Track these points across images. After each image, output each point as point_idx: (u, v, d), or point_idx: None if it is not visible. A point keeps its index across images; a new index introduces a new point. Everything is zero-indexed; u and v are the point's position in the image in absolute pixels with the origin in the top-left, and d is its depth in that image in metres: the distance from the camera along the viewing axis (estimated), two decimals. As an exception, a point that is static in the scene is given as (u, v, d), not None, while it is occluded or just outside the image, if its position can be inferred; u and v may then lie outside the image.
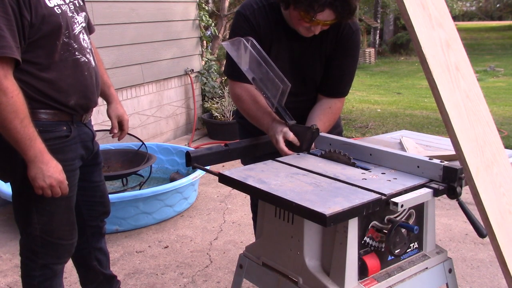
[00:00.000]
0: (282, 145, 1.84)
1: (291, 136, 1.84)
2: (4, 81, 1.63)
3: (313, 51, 2.05)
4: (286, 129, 1.85)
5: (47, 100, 1.82)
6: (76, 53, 1.85)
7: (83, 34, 1.91)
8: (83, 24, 1.93)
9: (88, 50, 1.93)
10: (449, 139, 1.68)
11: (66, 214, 1.96)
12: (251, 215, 3.84)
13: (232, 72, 2.04)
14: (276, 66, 1.80)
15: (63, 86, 1.82)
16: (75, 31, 1.86)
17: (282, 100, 1.81)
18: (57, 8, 1.77)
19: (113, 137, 2.24)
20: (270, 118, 1.93)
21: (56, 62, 1.80)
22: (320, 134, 1.92)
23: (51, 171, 1.76)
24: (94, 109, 2.06)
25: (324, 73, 2.11)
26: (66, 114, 1.88)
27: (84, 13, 1.95)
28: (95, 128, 2.17)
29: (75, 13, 1.88)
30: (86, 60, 1.90)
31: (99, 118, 4.49)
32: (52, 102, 1.83)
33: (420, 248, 1.70)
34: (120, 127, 2.23)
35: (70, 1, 1.87)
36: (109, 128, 2.26)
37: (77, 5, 1.91)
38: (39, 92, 1.79)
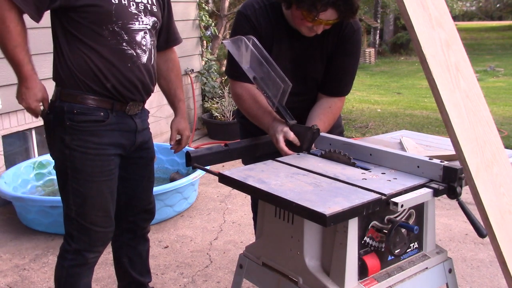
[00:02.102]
0: (282, 144, 1.84)
1: (291, 135, 1.84)
2: (5, 13, 1.78)
3: (314, 51, 2.05)
4: (286, 129, 1.85)
5: (88, 80, 1.92)
6: (124, 43, 1.93)
7: (145, 33, 1.99)
8: (149, 27, 2.00)
9: (143, 48, 1.99)
10: (449, 139, 1.68)
11: (98, 198, 2.00)
12: (251, 215, 3.83)
13: (233, 71, 2.04)
14: (277, 66, 1.80)
15: (102, 68, 1.91)
16: (132, 26, 1.93)
17: (283, 100, 1.81)
18: None
19: (171, 148, 2.30)
20: (271, 118, 1.93)
21: (100, 45, 1.89)
22: (320, 134, 1.92)
23: (27, 95, 1.88)
24: None
25: (325, 72, 2.11)
26: (106, 101, 1.96)
27: (154, 18, 2.03)
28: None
29: (142, 13, 1.97)
30: (134, 54, 1.96)
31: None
32: (92, 84, 1.93)
33: (420, 248, 1.70)
34: (178, 141, 2.29)
35: (140, 1, 1.96)
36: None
37: (149, 8, 2.00)
38: (83, 70, 1.91)
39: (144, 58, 2.00)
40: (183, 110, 2.32)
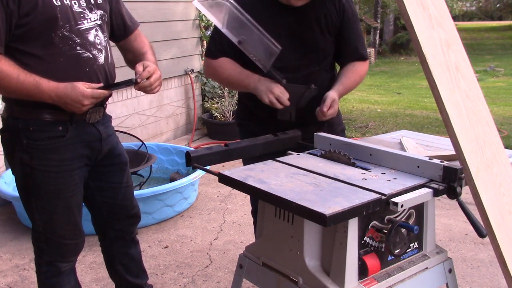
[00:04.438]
0: (272, 96, 1.90)
1: (286, 94, 1.90)
2: None
3: (309, 20, 2.07)
4: (281, 87, 1.89)
5: None
6: (78, 47, 1.82)
7: (96, 31, 1.89)
8: (98, 22, 1.90)
9: (98, 47, 1.89)
10: (449, 139, 1.68)
11: (65, 213, 1.95)
12: (251, 215, 3.83)
13: (211, 49, 2.06)
14: (277, 44, 1.87)
15: (57, 80, 1.78)
16: (80, 26, 1.83)
17: (271, 61, 1.84)
18: (56, 0, 1.77)
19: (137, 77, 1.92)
20: (257, 77, 1.96)
21: (53, 55, 1.79)
22: (320, 134, 1.93)
23: (73, 106, 1.78)
24: None
25: (339, 44, 2.16)
26: (63, 113, 1.85)
27: (101, 11, 1.92)
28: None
29: (86, 10, 1.86)
30: (91, 56, 1.86)
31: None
32: None
33: (420, 248, 1.70)
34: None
35: None
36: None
37: (92, 2, 1.89)
38: None
39: (101, 59, 1.90)
40: (151, 59, 2.05)
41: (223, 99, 6.19)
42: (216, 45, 2.00)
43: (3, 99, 1.91)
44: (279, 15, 2.03)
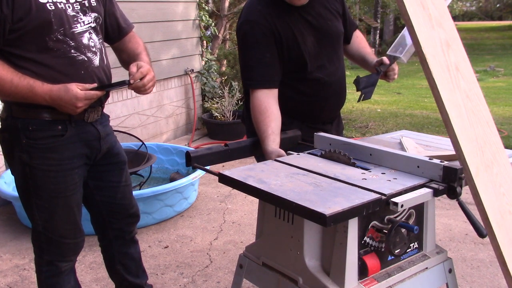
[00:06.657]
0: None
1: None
2: None
3: (323, 12, 2.16)
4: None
5: None
6: (72, 51, 1.83)
7: (90, 33, 1.90)
8: (92, 25, 1.91)
9: (93, 50, 1.90)
10: (449, 139, 1.68)
11: (65, 212, 1.96)
12: (251, 215, 3.84)
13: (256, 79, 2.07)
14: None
15: (53, 83, 1.79)
16: (74, 29, 1.84)
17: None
18: (49, 5, 1.77)
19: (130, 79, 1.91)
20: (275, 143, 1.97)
21: (48, 58, 1.80)
22: (320, 134, 1.93)
23: (68, 108, 1.80)
24: None
25: (344, 25, 2.31)
26: (63, 112, 1.85)
27: (95, 14, 1.93)
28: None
29: (80, 13, 1.87)
30: (86, 59, 1.87)
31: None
32: None
33: (420, 248, 1.70)
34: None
35: (75, 1, 1.86)
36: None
37: (86, 5, 1.90)
38: None
39: (96, 61, 1.91)
40: (145, 60, 2.04)
41: (223, 99, 6.19)
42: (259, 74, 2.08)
43: (1, 100, 1.91)
44: (299, 17, 2.08)
